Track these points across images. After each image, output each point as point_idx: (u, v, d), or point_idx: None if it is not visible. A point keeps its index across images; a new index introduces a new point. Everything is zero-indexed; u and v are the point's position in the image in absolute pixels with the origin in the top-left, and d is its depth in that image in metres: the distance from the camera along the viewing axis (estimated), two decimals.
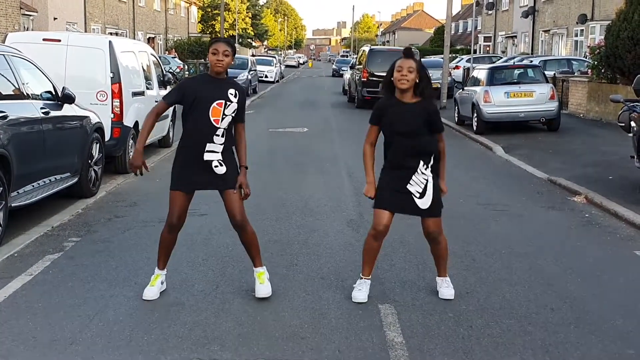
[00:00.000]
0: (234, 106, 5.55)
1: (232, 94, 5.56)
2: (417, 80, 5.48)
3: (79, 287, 5.92)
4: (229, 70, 5.67)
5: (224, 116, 5.52)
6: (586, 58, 26.58)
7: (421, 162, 5.54)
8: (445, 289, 5.81)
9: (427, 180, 5.57)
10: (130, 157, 11.60)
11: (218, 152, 5.56)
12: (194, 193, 5.76)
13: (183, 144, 5.66)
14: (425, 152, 5.56)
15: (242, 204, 5.69)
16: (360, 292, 5.73)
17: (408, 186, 5.54)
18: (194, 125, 5.54)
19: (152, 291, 5.73)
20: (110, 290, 5.84)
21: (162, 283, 5.84)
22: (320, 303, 5.65)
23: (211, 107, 5.49)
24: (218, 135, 5.53)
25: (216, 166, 5.56)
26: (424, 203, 5.59)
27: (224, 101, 5.52)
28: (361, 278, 5.80)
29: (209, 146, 5.52)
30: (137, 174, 5.62)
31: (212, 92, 5.52)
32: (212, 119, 5.49)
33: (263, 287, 5.77)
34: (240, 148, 5.72)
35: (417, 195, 5.56)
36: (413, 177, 5.54)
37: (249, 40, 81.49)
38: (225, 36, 52.37)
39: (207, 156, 5.53)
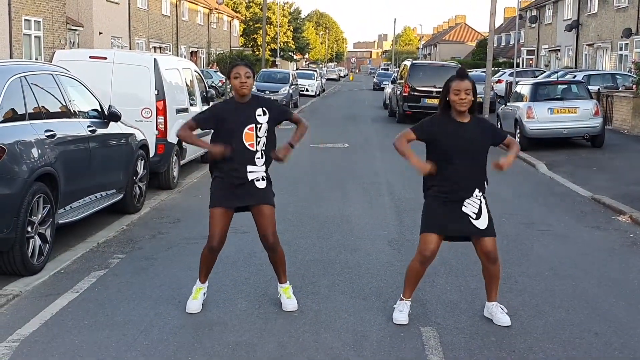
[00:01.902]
0: (265, 127, 5.71)
1: (260, 115, 5.70)
2: (473, 99, 5.47)
3: (124, 305, 6.01)
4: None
5: (258, 139, 5.68)
6: (631, 73, 26.23)
7: (476, 190, 5.49)
8: (501, 314, 5.71)
9: (480, 201, 5.53)
10: (174, 173, 11.76)
11: (261, 171, 5.73)
12: (233, 213, 5.84)
13: (220, 171, 5.75)
14: (482, 176, 5.54)
15: (275, 224, 5.85)
16: (402, 313, 5.72)
17: (463, 208, 5.49)
18: (233, 153, 5.65)
19: (195, 304, 5.86)
20: (155, 309, 5.92)
21: (204, 295, 5.97)
22: (362, 324, 5.66)
23: (244, 134, 5.64)
24: (259, 158, 5.72)
25: (258, 180, 5.74)
26: (481, 223, 5.53)
27: (254, 125, 5.67)
28: (402, 299, 5.80)
29: (250, 168, 5.70)
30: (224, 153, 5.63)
31: (241, 118, 5.67)
32: (246, 144, 5.66)
33: (290, 301, 5.97)
34: (297, 132, 5.98)
35: (474, 216, 5.51)
36: (467, 201, 5.49)
37: (290, 53, 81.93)
38: (267, 49, 52.76)
39: (250, 176, 5.71)
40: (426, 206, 5.65)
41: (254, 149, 5.68)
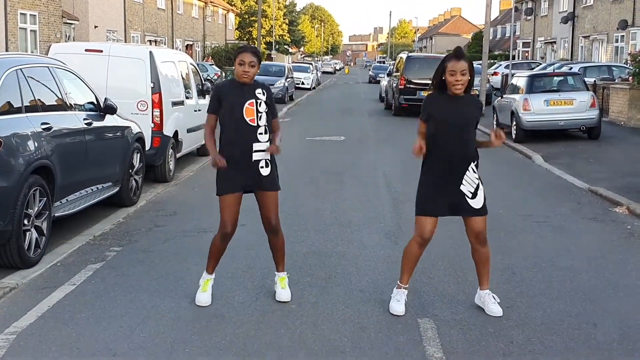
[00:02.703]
0: (264, 104, 5.75)
1: (259, 93, 5.75)
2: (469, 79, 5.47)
3: (121, 298, 5.99)
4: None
5: (259, 114, 5.71)
6: (627, 65, 26.24)
7: (472, 161, 5.53)
8: (493, 305, 5.72)
9: (478, 180, 5.55)
10: (170, 166, 11.74)
11: (267, 152, 5.75)
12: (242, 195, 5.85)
13: (226, 149, 5.74)
14: (474, 148, 5.57)
15: (278, 207, 5.89)
16: (399, 303, 5.71)
17: (461, 187, 5.51)
18: (236, 130, 5.69)
19: (205, 296, 5.85)
20: (152, 301, 5.91)
21: (211, 287, 5.96)
22: (359, 316, 5.65)
23: (244, 109, 5.66)
24: (262, 134, 5.74)
25: (262, 167, 5.75)
26: (477, 202, 5.55)
27: (254, 100, 5.71)
28: (399, 287, 5.78)
29: (255, 146, 5.71)
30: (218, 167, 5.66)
31: (242, 96, 5.70)
32: (247, 119, 5.67)
33: (285, 291, 5.98)
34: (277, 133, 5.92)
35: (470, 195, 5.52)
36: (465, 177, 5.50)
37: (285, 46, 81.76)
38: (262, 43, 52.66)
39: (255, 156, 5.72)
40: (422, 185, 5.64)
41: (255, 124, 5.69)
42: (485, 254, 5.72)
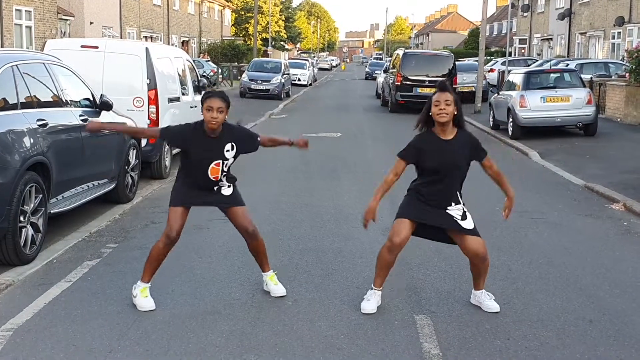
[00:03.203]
0: (230, 162, 5.73)
1: (227, 151, 5.68)
2: (456, 113, 5.42)
3: (117, 295, 5.98)
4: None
5: (223, 173, 5.73)
6: (624, 61, 26.25)
7: (452, 202, 5.53)
8: (489, 301, 5.73)
9: (464, 210, 5.57)
10: (166, 162, 11.72)
11: (225, 184, 5.82)
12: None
13: (186, 181, 5.79)
14: (457, 191, 5.56)
15: (249, 217, 5.92)
16: (369, 302, 5.70)
17: (448, 209, 5.52)
18: (195, 178, 5.72)
19: (149, 301, 5.68)
20: None
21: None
22: (356, 313, 5.64)
23: (209, 168, 5.66)
24: (223, 183, 5.79)
25: (223, 187, 5.81)
26: (467, 224, 5.55)
27: (221, 161, 5.68)
28: (372, 289, 5.77)
29: (215, 188, 5.80)
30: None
31: (209, 153, 5.65)
32: (211, 177, 5.69)
33: (278, 287, 6.00)
34: (277, 139, 6.06)
35: (459, 217, 5.53)
36: (448, 209, 5.51)
37: (282, 43, 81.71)
38: (259, 39, 52.57)
39: (216, 187, 5.80)
40: (409, 193, 5.68)
41: (218, 179, 5.73)
42: (485, 268, 5.70)
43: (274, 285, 6.01)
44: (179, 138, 5.77)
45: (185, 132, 5.72)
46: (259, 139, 5.88)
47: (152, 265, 5.81)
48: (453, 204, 5.53)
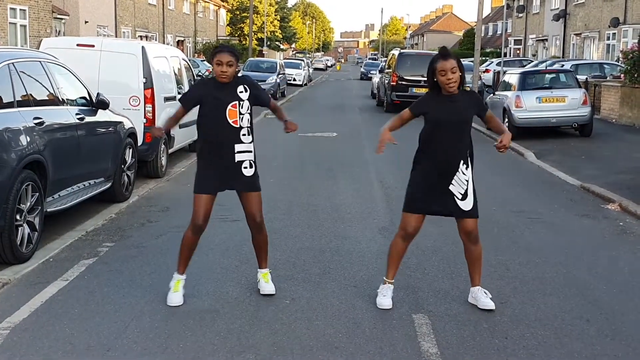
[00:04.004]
0: (246, 104, 5.71)
1: (241, 92, 5.70)
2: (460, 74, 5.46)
3: (115, 293, 5.97)
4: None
5: (241, 116, 5.68)
6: (619, 62, 26.31)
7: (462, 161, 5.52)
8: (485, 298, 5.74)
9: (468, 182, 5.55)
10: (162, 161, 11.71)
11: (250, 152, 5.75)
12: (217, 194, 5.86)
13: (206, 148, 5.75)
14: (467, 148, 5.56)
15: (261, 206, 5.90)
16: (385, 298, 5.73)
17: (450, 187, 5.51)
18: (216, 130, 5.67)
19: (177, 297, 5.75)
20: (146, 297, 5.88)
21: (183, 288, 5.84)
22: (354, 312, 5.64)
23: (227, 110, 5.64)
24: (245, 135, 5.72)
25: (246, 167, 5.74)
26: (466, 204, 5.56)
27: (237, 102, 5.67)
28: (385, 283, 5.80)
29: (238, 147, 5.69)
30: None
31: (223, 96, 5.66)
32: (230, 121, 5.64)
33: (269, 285, 5.99)
34: (280, 111, 6.16)
35: (460, 196, 5.53)
36: (455, 177, 5.50)
37: (277, 43, 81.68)
38: (254, 39, 52.56)
39: (238, 157, 5.71)
40: (412, 182, 5.67)
41: (238, 126, 5.67)
42: (477, 252, 5.73)
43: (265, 282, 6.00)
44: (195, 95, 5.82)
45: (198, 87, 5.95)
46: (269, 98, 6.02)
47: (183, 254, 5.83)
48: (462, 163, 5.51)
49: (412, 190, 5.65)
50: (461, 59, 5.90)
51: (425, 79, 5.66)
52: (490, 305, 5.69)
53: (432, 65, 5.47)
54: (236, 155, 5.69)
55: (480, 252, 5.76)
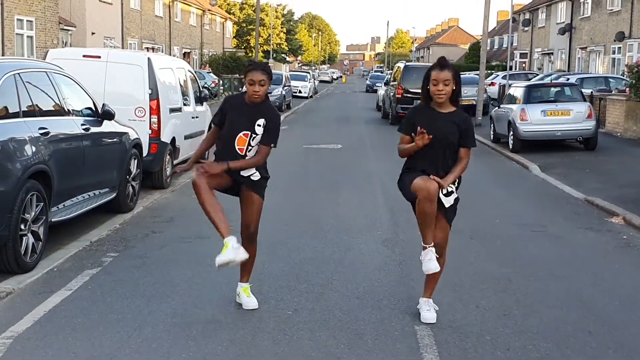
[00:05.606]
0: (258, 138, 5.68)
1: (259, 125, 5.64)
2: (454, 87, 5.39)
3: (118, 303, 5.98)
4: None
5: (249, 147, 5.68)
6: (624, 76, 26.31)
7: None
8: (427, 312, 5.66)
9: (452, 187, 5.48)
10: (167, 172, 11.74)
11: (254, 172, 5.75)
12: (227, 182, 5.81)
13: (219, 155, 5.80)
14: (452, 164, 5.46)
15: (259, 216, 5.85)
16: (432, 261, 5.47)
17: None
18: (224, 150, 5.71)
19: (230, 253, 5.38)
20: (149, 307, 5.90)
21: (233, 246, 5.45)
22: (356, 323, 5.64)
23: (237, 137, 5.64)
24: (247, 156, 5.72)
25: (252, 174, 5.75)
26: (448, 201, 5.47)
27: (250, 133, 5.64)
28: (425, 248, 5.52)
29: (242, 172, 5.73)
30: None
31: (241, 121, 5.64)
32: (237, 147, 5.67)
33: (251, 300, 5.92)
34: (247, 160, 5.68)
35: (444, 192, 5.41)
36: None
37: (283, 55, 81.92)
38: (260, 51, 52.68)
39: (244, 172, 5.71)
40: (404, 174, 5.64)
41: (243, 154, 5.68)
42: (441, 262, 5.58)
43: (247, 297, 5.93)
44: (226, 107, 5.75)
45: (229, 99, 5.86)
46: (274, 140, 5.76)
47: (214, 217, 5.48)
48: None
49: (407, 175, 5.56)
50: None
51: None
52: (431, 319, 5.61)
53: (427, 72, 5.44)
54: (242, 172, 5.71)
55: (443, 264, 5.62)
